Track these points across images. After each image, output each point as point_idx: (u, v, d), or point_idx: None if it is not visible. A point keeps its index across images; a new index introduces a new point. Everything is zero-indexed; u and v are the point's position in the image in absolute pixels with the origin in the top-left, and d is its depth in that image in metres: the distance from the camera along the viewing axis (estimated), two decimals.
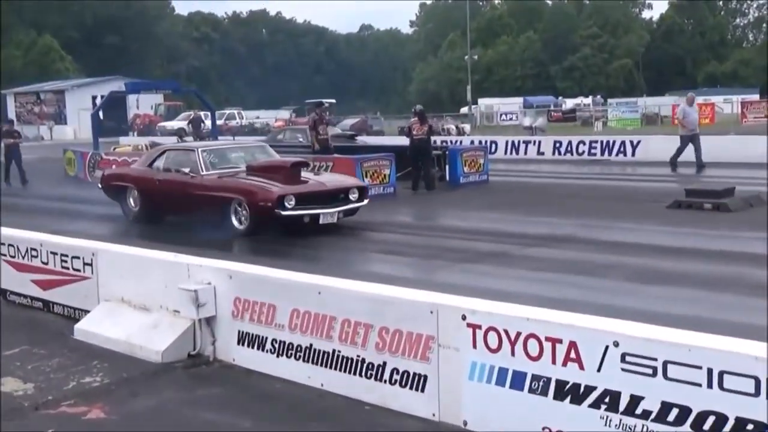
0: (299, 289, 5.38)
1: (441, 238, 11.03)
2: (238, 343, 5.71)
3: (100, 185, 13.90)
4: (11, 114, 56.12)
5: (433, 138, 18.75)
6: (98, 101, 44.16)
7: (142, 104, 52.24)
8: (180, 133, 28.68)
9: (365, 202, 11.89)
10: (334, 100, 54.50)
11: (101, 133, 23.64)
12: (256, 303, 5.60)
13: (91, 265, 6.94)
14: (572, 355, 4.05)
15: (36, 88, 59.42)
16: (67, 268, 7.18)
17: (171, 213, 12.71)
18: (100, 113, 26.18)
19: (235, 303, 5.73)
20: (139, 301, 6.45)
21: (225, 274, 5.84)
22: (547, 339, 4.14)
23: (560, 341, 4.09)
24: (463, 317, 4.44)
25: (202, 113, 35.99)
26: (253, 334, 5.61)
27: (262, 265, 6.17)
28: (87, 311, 6.86)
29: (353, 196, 11.71)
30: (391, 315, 4.81)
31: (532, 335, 4.20)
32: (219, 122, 44.50)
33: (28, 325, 7.13)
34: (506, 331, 4.30)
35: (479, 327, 4.38)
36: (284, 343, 5.40)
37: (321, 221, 11.25)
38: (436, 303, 4.63)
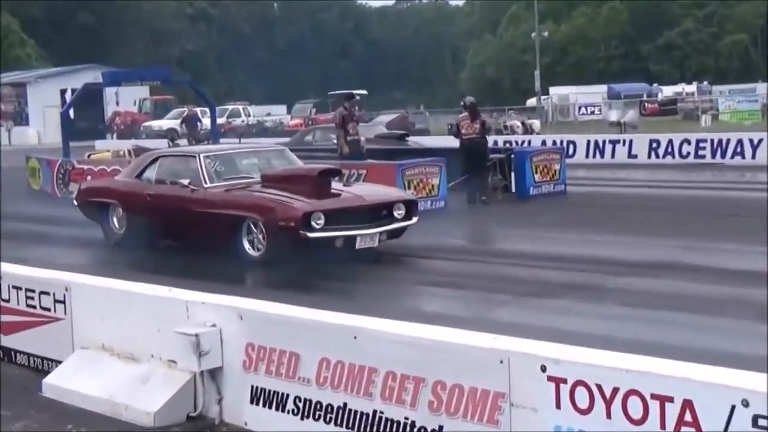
0: (330, 333, 5.38)
1: (506, 265, 11.06)
2: (252, 402, 5.70)
3: (75, 201, 14.17)
4: None
5: (492, 138, 18.74)
6: (68, 96, 44.80)
7: (124, 99, 52.90)
8: (171, 135, 29.09)
9: (414, 220, 11.93)
10: (365, 92, 54.75)
11: (73, 136, 23.95)
12: (275, 351, 5.60)
13: (63, 302, 6.96)
14: (687, 417, 3.99)
15: None
16: (34, 307, 7.19)
17: (166, 236, 12.84)
18: (71, 111, 26.54)
19: (248, 351, 5.73)
20: (124, 348, 6.45)
21: (234, 313, 5.85)
22: (654, 397, 4.08)
23: (671, 399, 4.03)
24: (543, 368, 4.40)
25: (198, 110, 36.37)
26: (270, 391, 5.61)
27: (282, 301, 6.19)
28: (59, 361, 6.87)
29: (399, 212, 11.74)
30: (448, 366, 4.79)
31: (633, 392, 4.13)
32: (220, 120, 44.85)
33: None
34: (599, 387, 4.23)
35: (564, 381, 4.33)
36: (310, 402, 5.39)
37: (358, 245, 11.29)
38: (507, 350, 4.60)
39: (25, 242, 13.81)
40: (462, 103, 17.97)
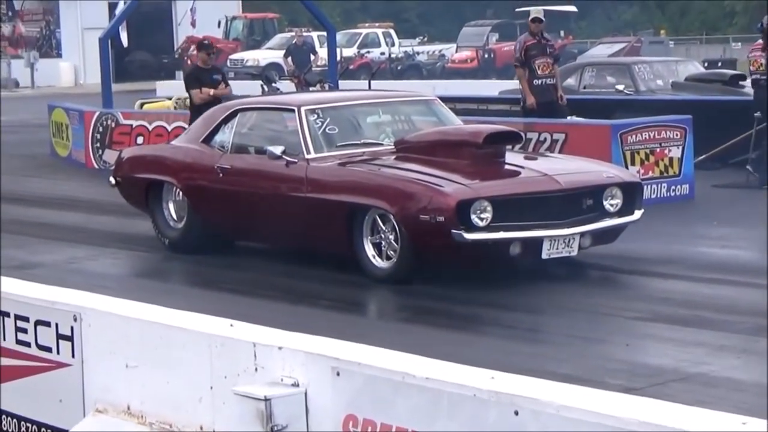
0: (476, 405, 5.32)
1: None
2: None
3: (112, 179, 14.40)
4: None
5: None
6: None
7: (203, 19, 53.48)
8: (269, 75, 29.22)
9: (636, 215, 11.96)
10: (573, 8, 54.41)
11: (125, 75, 24.37)
12: (390, 429, 5.61)
13: (71, 339, 7.03)
14: None
15: None
16: (27, 344, 7.29)
17: (246, 234, 13.29)
18: (122, 35, 26.78)
19: (348, 427, 5.76)
20: (159, 414, 6.53)
21: (326, 365, 5.85)
22: None
23: None
24: None
25: (314, 35, 36.69)
26: None
27: (410, 346, 6.26)
28: (63, 431, 6.96)
29: (612, 202, 11.82)
30: None
31: None
32: (346, 52, 45.28)
33: None
34: None
35: None
36: None
37: (546, 254, 11.37)
38: None
39: (33, 240, 14.02)
40: (760, 25, 17.82)
